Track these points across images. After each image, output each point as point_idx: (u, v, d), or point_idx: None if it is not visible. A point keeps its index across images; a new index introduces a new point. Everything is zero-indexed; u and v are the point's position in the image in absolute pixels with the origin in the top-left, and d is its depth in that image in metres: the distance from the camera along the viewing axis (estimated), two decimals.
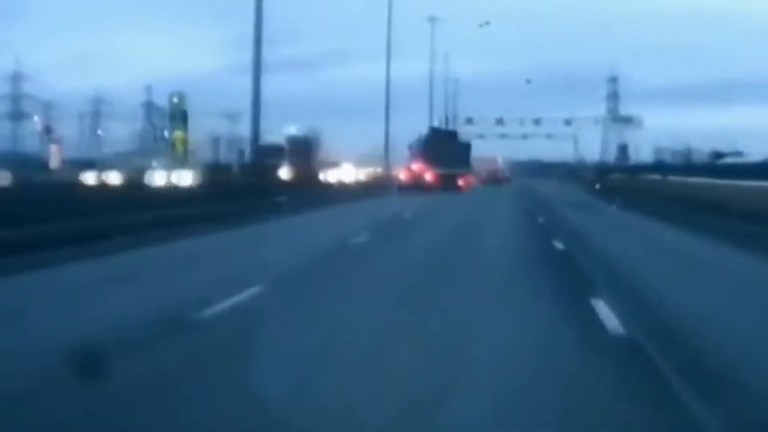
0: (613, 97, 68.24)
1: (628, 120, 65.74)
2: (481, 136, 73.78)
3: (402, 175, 49.07)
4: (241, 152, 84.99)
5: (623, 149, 70.56)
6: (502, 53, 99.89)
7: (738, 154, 59.00)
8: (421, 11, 64.71)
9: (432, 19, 65.68)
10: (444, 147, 53.02)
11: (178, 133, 77.54)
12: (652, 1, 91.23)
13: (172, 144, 77.58)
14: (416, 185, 44.98)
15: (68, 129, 61.24)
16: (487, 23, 68.84)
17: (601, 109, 68.54)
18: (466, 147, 60.18)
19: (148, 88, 65.69)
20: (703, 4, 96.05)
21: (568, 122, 66.90)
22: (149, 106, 65.71)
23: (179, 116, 77.70)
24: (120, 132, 63.26)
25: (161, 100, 61.42)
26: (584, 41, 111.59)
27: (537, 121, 68.19)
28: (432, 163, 49.25)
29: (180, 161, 73.24)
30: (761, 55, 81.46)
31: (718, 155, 59.94)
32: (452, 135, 60.55)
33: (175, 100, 78.05)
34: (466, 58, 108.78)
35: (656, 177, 53.41)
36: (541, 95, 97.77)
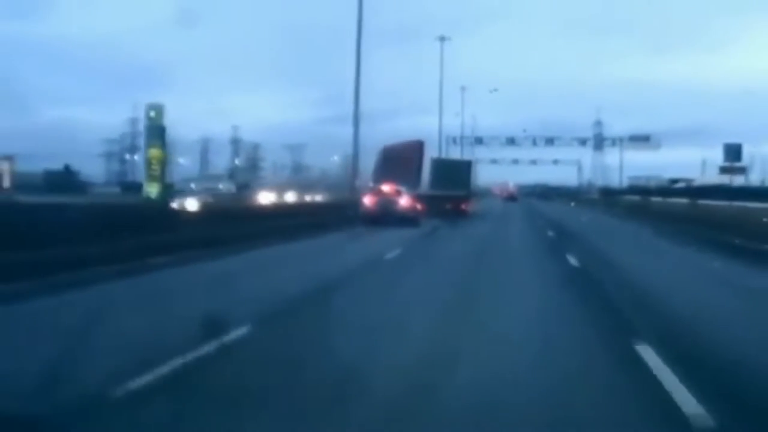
0: (599, 137, 77.37)
1: (646, 139, 67.74)
2: (494, 161, 78.79)
3: (367, 201, 33.01)
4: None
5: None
6: (505, 113, 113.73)
7: (689, 180, 71.18)
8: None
9: (442, 38, 68.95)
10: (406, 162, 41.05)
11: (154, 151, 70.79)
12: (617, 72, 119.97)
13: (147, 163, 70.74)
14: (387, 214, 31.14)
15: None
16: (496, 90, 77.95)
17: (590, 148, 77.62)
18: (466, 165, 51.00)
19: (235, 128, 79.23)
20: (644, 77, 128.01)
21: (582, 142, 70.65)
22: (236, 142, 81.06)
23: (156, 132, 70.56)
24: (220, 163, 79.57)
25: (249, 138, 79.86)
26: (564, 103, 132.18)
27: (550, 141, 70.34)
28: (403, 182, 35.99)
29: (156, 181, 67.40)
30: (684, 110, 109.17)
31: (673, 181, 72.46)
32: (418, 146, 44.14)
33: (152, 114, 70.86)
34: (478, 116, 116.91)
35: (684, 200, 50.97)
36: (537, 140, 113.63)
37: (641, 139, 69.63)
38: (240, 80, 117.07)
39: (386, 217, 30.79)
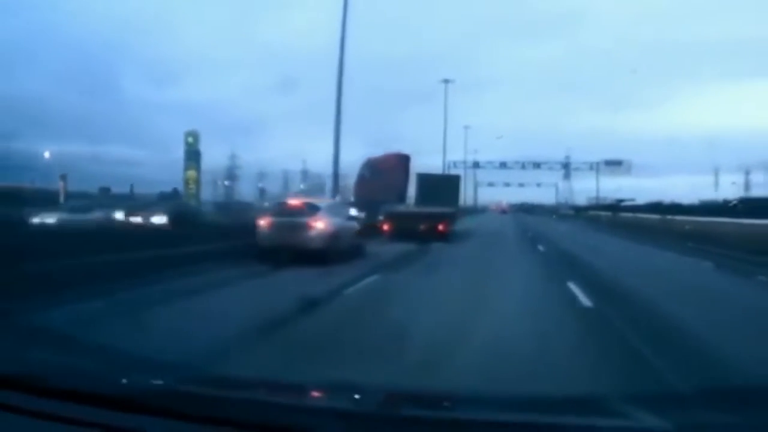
0: (567, 166, 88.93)
1: (618, 163, 77.81)
2: (491, 184, 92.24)
3: (261, 223, 19.24)
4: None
5: None
6: (501, 151, 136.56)
7: (631, 199, 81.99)
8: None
9: (446, 81, 76.20)
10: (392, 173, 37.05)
11: (191, 173, 79.75)
12: (585, 122, 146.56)
13: (185, 183, 79.47)
14: (289, 245, 18.04)
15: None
16: (501, 137, 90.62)
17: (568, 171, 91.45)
18: (455, 180, 42.21)
19: (304, 161, 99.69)
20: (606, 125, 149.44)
21: (564, 165, 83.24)
22: (304, 173, 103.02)
23: (193, 156, 79.52)
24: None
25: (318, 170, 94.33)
26: (545, 145, 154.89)
27: (537, 165, 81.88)
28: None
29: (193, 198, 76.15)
30: (633, 151, 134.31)
31: (620, 200, 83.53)
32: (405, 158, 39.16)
33: (190, 140, 79.66)
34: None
35: (657, 216, 53.11)
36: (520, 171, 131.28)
37: (615, 164, 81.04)
38: (315, 128, 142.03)
39: (288, 249, 17.97)
